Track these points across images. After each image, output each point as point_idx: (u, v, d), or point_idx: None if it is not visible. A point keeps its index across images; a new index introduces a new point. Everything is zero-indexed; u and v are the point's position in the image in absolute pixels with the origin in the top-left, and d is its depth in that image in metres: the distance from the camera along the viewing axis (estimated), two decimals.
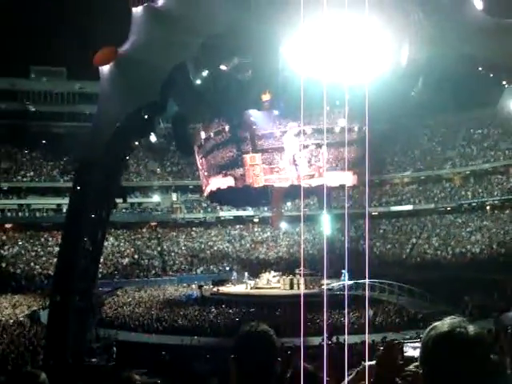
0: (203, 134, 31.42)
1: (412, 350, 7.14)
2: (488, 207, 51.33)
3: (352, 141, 28.32)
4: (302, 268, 38.18)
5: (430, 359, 1.74)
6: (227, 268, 47.30)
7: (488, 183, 52.54)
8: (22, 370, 4.88)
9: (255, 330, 2.56)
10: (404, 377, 2.42)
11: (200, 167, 33.83)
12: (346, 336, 16.39)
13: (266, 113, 29.82)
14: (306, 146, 29.38)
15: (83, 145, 22.58)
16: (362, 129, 28.07)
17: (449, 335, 1.71)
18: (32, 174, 56.72)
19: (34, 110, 59.14)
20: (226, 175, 30.56)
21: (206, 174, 32.78)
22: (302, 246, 54.12)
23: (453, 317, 1.80)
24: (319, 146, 28.87)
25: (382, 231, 54.99)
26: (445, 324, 1.75)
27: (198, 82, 26.03)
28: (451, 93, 34.73)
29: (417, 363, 1.93)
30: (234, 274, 45.37)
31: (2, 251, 50.37)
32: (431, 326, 1.79)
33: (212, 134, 30.92)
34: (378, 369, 2.42)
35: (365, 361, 2.63)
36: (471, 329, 1.72)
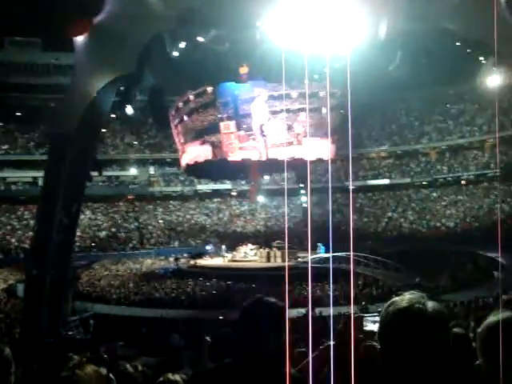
0: (181, 99, 30.95)
1: (372, 325, 7.21)
2: (463, 182, 51.97)
3: (332, 106, 28.23)
4: (283, 241, 38.45)
5: (387, 334, 1.74)
6: (208, 243, 47.18)
7: (463, 158, 53.14)
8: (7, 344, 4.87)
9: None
10: (363, 351, 2.45)
11: (175, 134, 33.22)
12: (332, 308, 16.56)
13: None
14: (287, 111, 29.12)
15: (58, 117, 22.26)
16: (343, 93, 27.95)
17: (407, 311, 1.70)
18: (7, 146, 55.90)
19: (8, 81, 57.99)
20: (203, 142, 30.18)
21: (182, 140, 32.26)
22: (286, 218, 54.45)
23: (412, 292, 1.79)
24: (298, 111, 28.70)
25: (358, 205, 55.41)
26: (404, 299, 1.75)
27: (175, 53, 25.71)
28: (429, 68, 34.82)
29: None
30: (211, 246, 45.43)
31: None
32: (390, 301, 1.78)
33: (192, 97, 30.42)
34: (339, 346, 2.44)
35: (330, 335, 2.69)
36: (430, 305, 1.71)
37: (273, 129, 29.04)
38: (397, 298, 1.76)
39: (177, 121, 31.99)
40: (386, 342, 1.74)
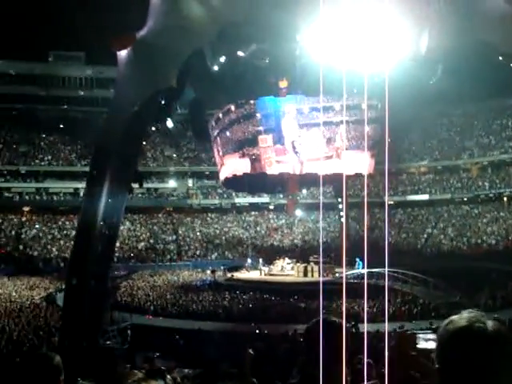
0: (222, 110, 31.16)
1: (424, 342, 7.11)
2: (505, 198, 50.87)
3: (372, 119, 28.07)
4: (319, 256, 38.18)
5: (446, 354, 1.69)
6: (249, 257, 47.03)
7: (505, 174, 52.06)
8: (36, 352, 4.95)
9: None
10: (417, 369, 2.41)
11: (215, 146, 33.45)
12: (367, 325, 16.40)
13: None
14: (327, 123, 29.01)
15: (100, 129, 22.70)
16: (383, 106, 27.77)
17: (467, 330, 1.66)
18: (50, 157, 57.20)
19: (51, 94, 59.42)
20: (243, 155, 30.22)
21: (220, 153, 32.45)
22: (321, 233, 54.18)
23: (470, 310, 1.74)
24: (339, 123, 28.60)
25: (397, 220, 54.79)
26: (463, 318, 1.71)
27: (215, 67, 26.00)
28: (470, 82, 34.33)
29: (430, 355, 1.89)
30: (249, 260, 45.42)
31: (20, 234, 50.98)
32: (448, 320, 1.73)
33: (232, 108, 30.62)
34: (392, 362, 2.41)
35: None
36: (490, 324, 1.67)
37: (307, 143, 29.00)
38: (455, 317, 1.72)
39: (216, 132, 32.21)
40: (444, 361, 1.69)
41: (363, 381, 2.78)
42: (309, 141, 28.95)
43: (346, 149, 28.65)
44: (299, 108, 29.16)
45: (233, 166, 31.32)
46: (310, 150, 28.91)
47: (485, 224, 49.22)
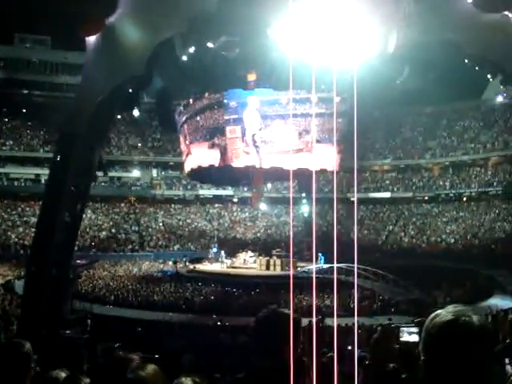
0: (191, 97, 30.78)
1: (407, 335, 7.22)
2: (465, 198, 51.97)
3: (340, 113, 28.21)
4: (283, 249, 38.34)
5: (433, 347, 1.73)
6: (214, 247, 46.71)
7: (466, 175, 53.16)
8: (7, 340, 4.88)
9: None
10: (399, 361, 2.45)
11: (181, 133, 32.89)
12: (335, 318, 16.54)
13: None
14: (299, 115, 28.89)
15: (65, 116, 22.33)
16: (351, 102, 27.91)
17: (454, 324, 1.70)
18: (11, 142, 56.04)
19: (15, 77, 58.18)
20: (212, 146, 29.85)
21: (187, 141, 31.97)
22: (291, 227, 54.39)
23: (456, 305, 1.79)
24: (308, 116, 28.51)
25: (359, 217, 55.41)
26: (449, 312, 1.75)
27: (184, 58, 25.83)
28: (436, 83, 34.92)
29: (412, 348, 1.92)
30: (213, 251, 45.20)
31: None
32: (434, 314, 1.77)
33: (206, 94, 30.24)
34: (374, 354, 2.44)
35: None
36: (476, 318, 1.72)
37: (276, 136, 28.90)
38: (441, 311, 1.75)
39: (185, 117, 31.57)
40: (430, 354, 1.73)
41: (329, 374, 2.79)
42: (278, 133, 28.86)
43: (317, 142, 28.70)
44: (266, 100, 29.02)
45: (200, 156, 30.97)
46: (279, 143, 28.84)
47: (444, 223, 50.20)
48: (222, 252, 42.43)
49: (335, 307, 13.09)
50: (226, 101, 29.39)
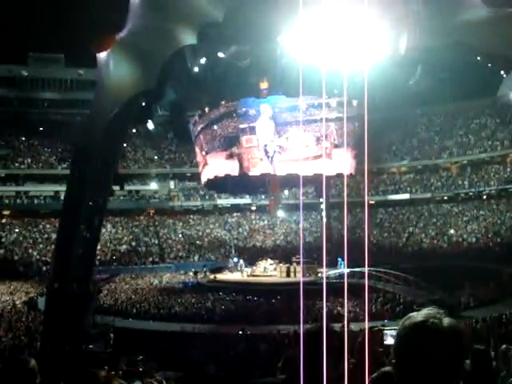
0: (206, 107, 30.86)
1: (391, 338, 7.16)
2: (484, 197, 51.45)
3: (354, 117, 28.13)
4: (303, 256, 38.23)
5: (402, 348, 1.72)
6: (234, 256, 46.61)
7: (485, 173, 52.62)
8: (11, 357, 4.94)
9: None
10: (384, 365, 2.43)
11: (197, 144, 32.87)
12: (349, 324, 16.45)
13: None
14: (314, 121, 28.76)
15: (80, 132, 22.56)
16: (363, 105, 27.84)
17: (421, 325, 1.69)
18: (30, 160, 56.66)
19: (30, 96, 58.86)
20: (230, 156, 29.79)
21: (203, 152, 31.90)
22: (301, 232, 54.28)
23: (430, 308, 1.78)
24: (325, 121, 28.42)
25: (378, 220, 55.13)
26: (420, 314, 1.74)
27: (196, 69, 26.00)
28: (449, 82, 34.70)
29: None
30: (233, 260, 45.18)
31: (1, 238, 50.44)
32: (406, 316, 1.77)
33: (223, 102, 30.20)
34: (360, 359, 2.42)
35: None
36: (446, 321, 1.70)
37: (287, 145, 28.89)
38: (414, 313, 1.75)
39: (200, 127, 31.52)
40: (400, 355, 1.73)
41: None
42: (295, 141, 28.81)
43: (335, 147, 28.60)
44: (285, 107, 28.93)
45: (217, 166, 30.99)
46: (296, 151, 28.80)
47: (465, 222, 49.73)
48: (241, 261, 42.42)
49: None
50: (240, 110, 29.47)
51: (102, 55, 20.21)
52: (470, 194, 52.42)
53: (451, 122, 56.92)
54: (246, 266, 41.06)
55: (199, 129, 31.92)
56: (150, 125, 29.55)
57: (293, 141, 28.94)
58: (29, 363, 3.07)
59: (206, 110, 30.81)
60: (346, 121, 28.85)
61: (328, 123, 29.00)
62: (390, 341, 7.41)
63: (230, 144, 30.12)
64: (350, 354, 2.81)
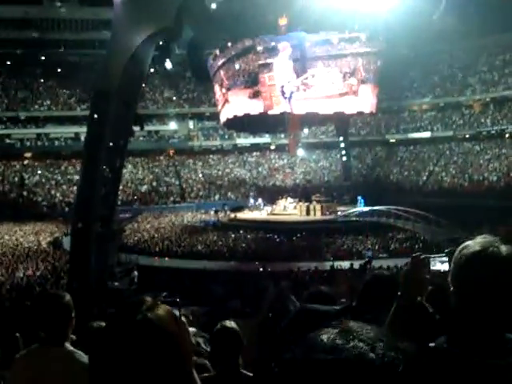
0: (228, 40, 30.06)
1: (440, 264, 7.21)
2: (507, 135, 50.63)
3: (377, 52, 27.56)
4: (323, 195, 38.34)
5: (461, 278, 1.76)
6: (252, 197, 46.91)
7: (508, 111, 51.63)
8: (46, 292, 5.10)
9: None
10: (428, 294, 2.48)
11: (216, 80, 32.14)
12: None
13: None
14: (337, 56, 28.12)
15: (98, 73, 22.41)
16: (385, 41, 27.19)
17: (482, 253, 1.72)
18: (49, 102, 56.76)
19: (46, 37, 58.32)
20: (254, 95, 29.14)
21: (223, 89, 31.12)
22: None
23: (484, 236, 1.81)
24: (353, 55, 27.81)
25: (399, 159, 54.83)
26: (477, 243, 1.76)
27: (213, 5, 25.51)
28: (473, 17, 33.74)
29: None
30: (253, 199, 45.54)
31: (23, 180, 51.17)
32: (463, 245, 1.79)
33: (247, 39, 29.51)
34: (405, 286, 2.44)
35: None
36: (504, 248, 1.72)
37: (313, 82, 28.46)
38: (469, 242, 1.77)
39: (221, 62, 30.79)
40: (459, 285, 1.77)
41: None
42: (321, 78, 28.23)
43: (362, 83, 28.05)
44: (315, 41, 28.15)
45: (240, 104, 30.45)
46: (322, 88, 28.28)
47: (486, 161, 49.17)
48: (260, 200, 42.71)
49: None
50: (262, 46, 28.82)
51: None
52: (493, 132, 51.58)
53: (475, 58, 55.54)
54: (265, 205, 41.34)
55: (220, 64, 31.14)
56: (168, 64, 29.15)
57: (319, 78, 28.41)
58: (64, 298, 3.19)
59: (229, 44, 30.03)
60: (375, 56, 28.23)
61: (357, 58, 28.34)
62: (437, 267, 7.49)
63: (254, 81, 29.51)
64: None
